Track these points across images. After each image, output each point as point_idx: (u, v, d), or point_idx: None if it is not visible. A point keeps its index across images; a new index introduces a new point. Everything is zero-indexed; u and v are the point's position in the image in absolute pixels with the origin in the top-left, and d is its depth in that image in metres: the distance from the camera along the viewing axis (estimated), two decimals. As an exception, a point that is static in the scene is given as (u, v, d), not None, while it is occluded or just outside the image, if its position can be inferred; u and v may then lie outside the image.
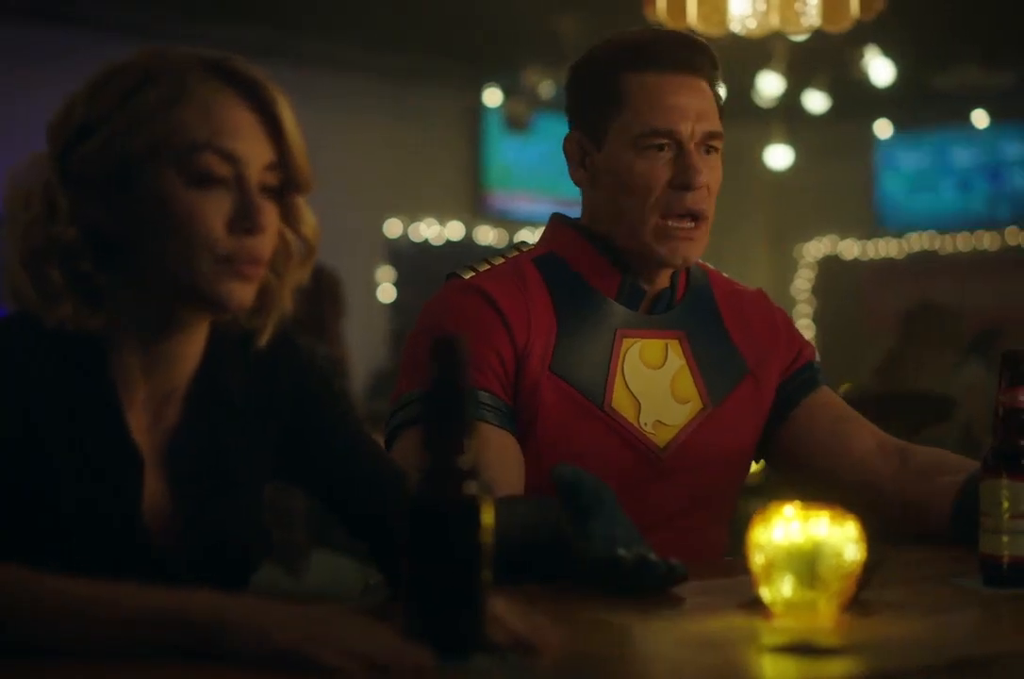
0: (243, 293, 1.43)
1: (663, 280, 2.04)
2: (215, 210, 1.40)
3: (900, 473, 2.07)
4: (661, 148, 1.95)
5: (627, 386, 1.98)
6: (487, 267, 2.01)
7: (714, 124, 1.98)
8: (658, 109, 1.95)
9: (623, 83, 1.97)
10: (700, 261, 2.11)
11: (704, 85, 1.99)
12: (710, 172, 1.97)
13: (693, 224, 1.96)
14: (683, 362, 2.02)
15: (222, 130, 1.41)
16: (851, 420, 2.14)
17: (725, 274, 2.18)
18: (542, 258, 2.03)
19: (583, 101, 2.03)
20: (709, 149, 1.98)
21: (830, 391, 2.16)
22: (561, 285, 2.00)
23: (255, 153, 1.42)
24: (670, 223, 1.95)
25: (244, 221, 1.41)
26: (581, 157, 2.02)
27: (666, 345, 2.02)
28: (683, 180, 1.94)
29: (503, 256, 2.04)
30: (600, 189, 2.01)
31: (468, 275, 1.99)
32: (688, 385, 2.02)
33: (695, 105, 1.96)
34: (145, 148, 1.40)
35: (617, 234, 2.00)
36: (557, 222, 2.09)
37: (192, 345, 1.49)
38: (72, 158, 1.41)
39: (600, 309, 2.00)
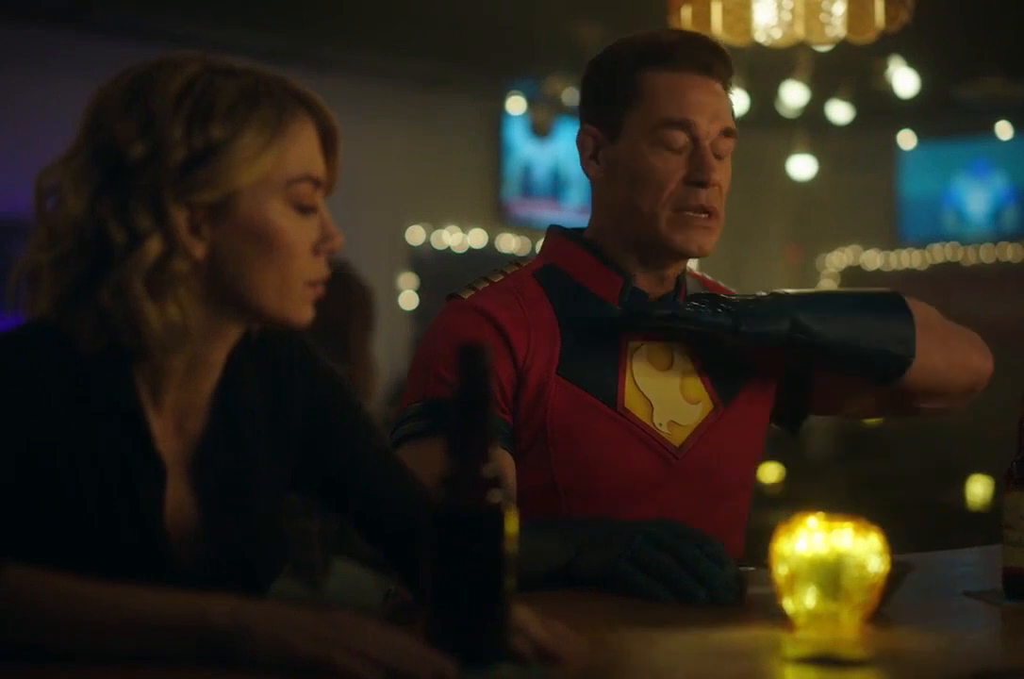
0: (311, 311, 1.47)
1: (668, 283, 2.04)
2: (309, 236, 1.44)
3: None
4: (676, 144, 1.96)
5: (638, 387, 1.99)
6: (486, 285, 2.02)
7: (729, 122, 2.00)
8: (675, 101, 1.97)
9: (642, 79, 1.99)
10: (701, 274, 2.15)
11: (719, 88, 2.01)
12: (723, 172, 1.99)
13: (707, 216, 1.98)
14: (690, 365, 2.04)
15: (313, 158, 1.46)
16: None
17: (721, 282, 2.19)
18: (542, 270, 2.04)
19: (600, 95, 2.04)
20: (720, 154, 1.99)
21: None
22: (562, 295, 2.01)
23: (324, 174, 1.48)
24: (686, 213, 1.97)
25: (328, 242, 1.46)
26: (594, 150, 2.04)
27: (672, 348, 2.03)
28: (698, 177, 1.96)
29: (502, 272, 2.06)
30: (613, 181, 2.02)
31: (467, 294, 2.00)
32: (697, 386, 2.03)
33: (711, 103, 1.98)
34: (251, 182, 1.41)
35: (631, 226, 2.00)
36: (555, 233, 2.11)
37: (223, 352, 1.49)
38: (179, 189, 1.39)
39: (603, 315, 2.01)
